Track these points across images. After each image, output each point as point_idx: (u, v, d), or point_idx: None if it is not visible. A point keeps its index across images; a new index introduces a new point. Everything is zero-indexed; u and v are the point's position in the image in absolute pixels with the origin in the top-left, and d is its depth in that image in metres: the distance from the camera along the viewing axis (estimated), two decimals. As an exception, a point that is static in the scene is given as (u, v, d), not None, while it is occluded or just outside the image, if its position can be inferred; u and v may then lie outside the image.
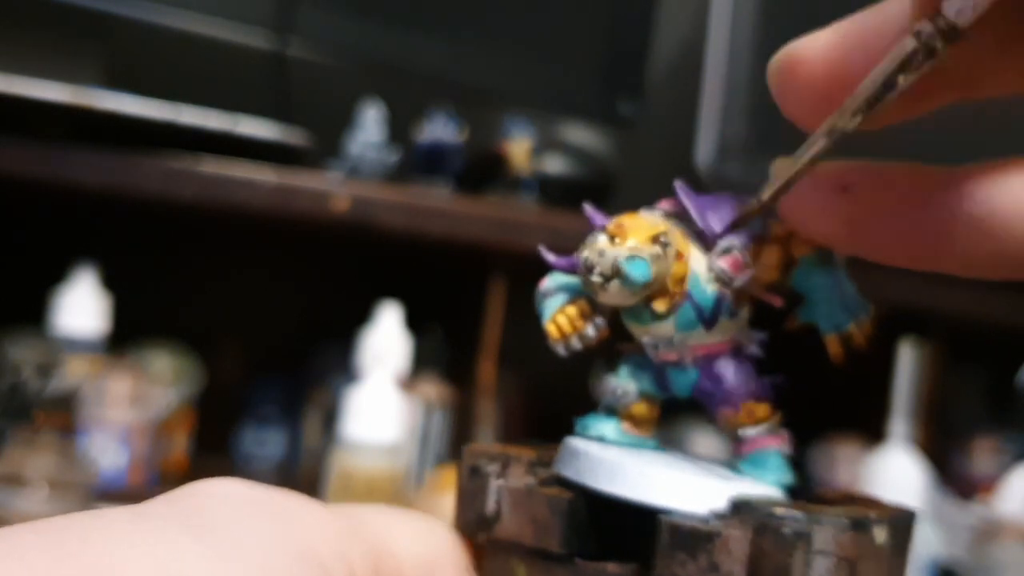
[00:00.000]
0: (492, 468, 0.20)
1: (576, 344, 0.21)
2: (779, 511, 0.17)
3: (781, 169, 0.19)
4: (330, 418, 0.94)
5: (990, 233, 0.17)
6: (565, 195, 0.98)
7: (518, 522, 0.20)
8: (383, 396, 0.85)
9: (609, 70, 1.04)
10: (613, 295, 0.20)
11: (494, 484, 0.20)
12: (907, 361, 0.95)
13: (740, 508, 0.18)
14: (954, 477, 1.05)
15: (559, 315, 0.21)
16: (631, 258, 0.20)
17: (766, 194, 0.19)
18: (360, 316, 0.94)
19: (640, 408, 0.22)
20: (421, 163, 0.96)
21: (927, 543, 0.90)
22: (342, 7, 0.94)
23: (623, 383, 0.22)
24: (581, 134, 1.07)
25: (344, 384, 0.89)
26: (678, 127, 1.02)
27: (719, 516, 0.18)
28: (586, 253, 0.20)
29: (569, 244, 0.21)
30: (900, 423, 0.93)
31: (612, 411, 0.22)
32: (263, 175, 0.84)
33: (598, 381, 0.22)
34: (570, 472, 0.20)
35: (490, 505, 0.20)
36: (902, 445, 0.92)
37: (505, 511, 0.20)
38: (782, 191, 0.19)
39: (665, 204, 0.22)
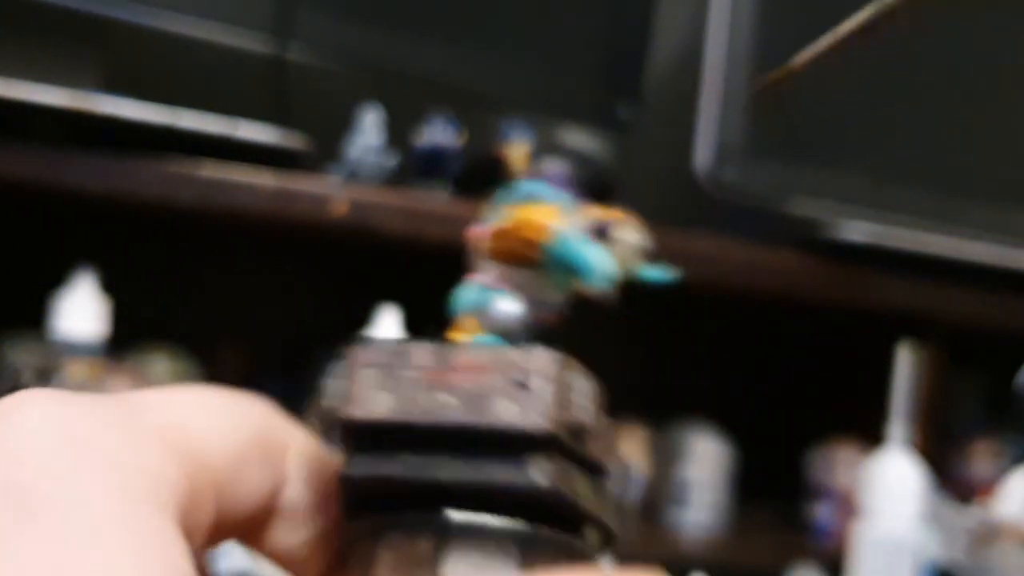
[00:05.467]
0: None
1: None
2: None
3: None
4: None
5: None
6: (564, 199, 0.98)
7: None
8: (382, 400, 0.85)
9: (608, 74, 1.04)
10: None
11: None
12: (906, 364, 0.95)
13: None
14: (952, 480, 1.05)
15: None
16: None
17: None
18: (359, 320, 0.94)
19: None
20: (420, 167, 0.96)
21: (925, 546, 0.90)
22: (341, 11, 0.94)
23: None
24: (580, 138, 1.07)
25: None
26: (677, 131, 1.03)
27: None
28: None
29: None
30: (899, 426, 0.93)
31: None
32: (262, 179, 0.84)
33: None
34: None
35: None
36: (901, 448, 0.92)
37: None
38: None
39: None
